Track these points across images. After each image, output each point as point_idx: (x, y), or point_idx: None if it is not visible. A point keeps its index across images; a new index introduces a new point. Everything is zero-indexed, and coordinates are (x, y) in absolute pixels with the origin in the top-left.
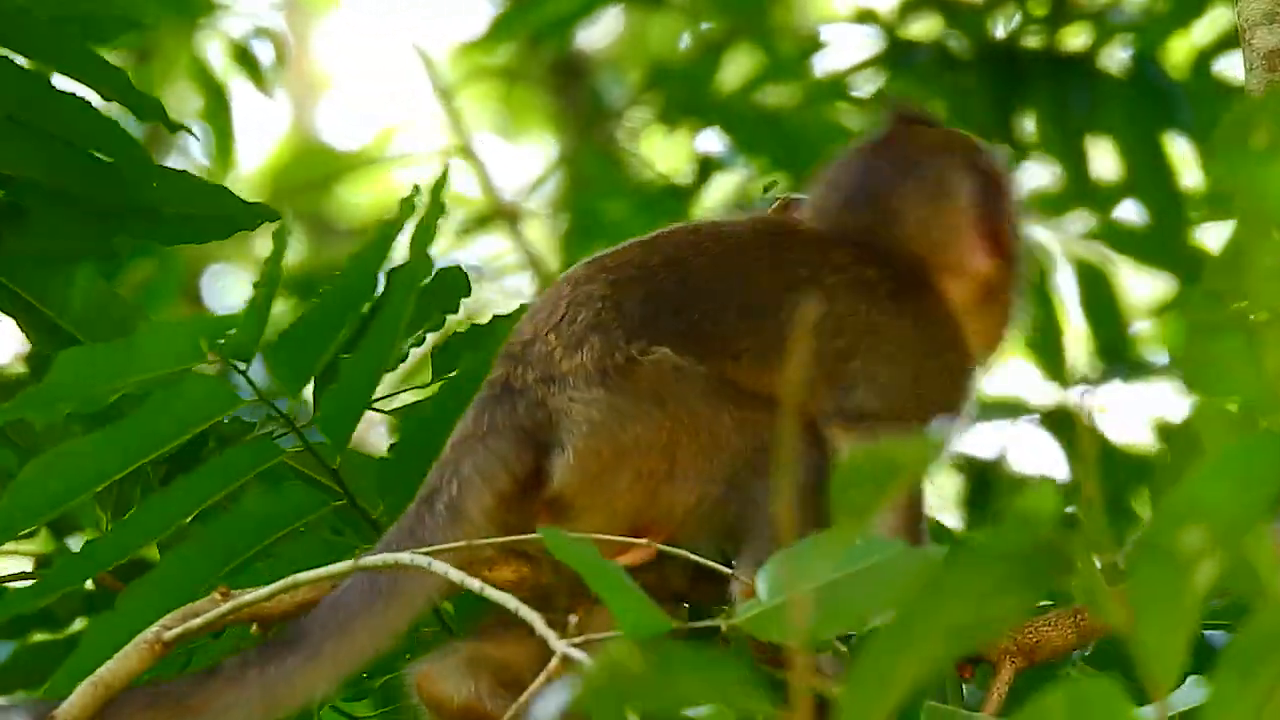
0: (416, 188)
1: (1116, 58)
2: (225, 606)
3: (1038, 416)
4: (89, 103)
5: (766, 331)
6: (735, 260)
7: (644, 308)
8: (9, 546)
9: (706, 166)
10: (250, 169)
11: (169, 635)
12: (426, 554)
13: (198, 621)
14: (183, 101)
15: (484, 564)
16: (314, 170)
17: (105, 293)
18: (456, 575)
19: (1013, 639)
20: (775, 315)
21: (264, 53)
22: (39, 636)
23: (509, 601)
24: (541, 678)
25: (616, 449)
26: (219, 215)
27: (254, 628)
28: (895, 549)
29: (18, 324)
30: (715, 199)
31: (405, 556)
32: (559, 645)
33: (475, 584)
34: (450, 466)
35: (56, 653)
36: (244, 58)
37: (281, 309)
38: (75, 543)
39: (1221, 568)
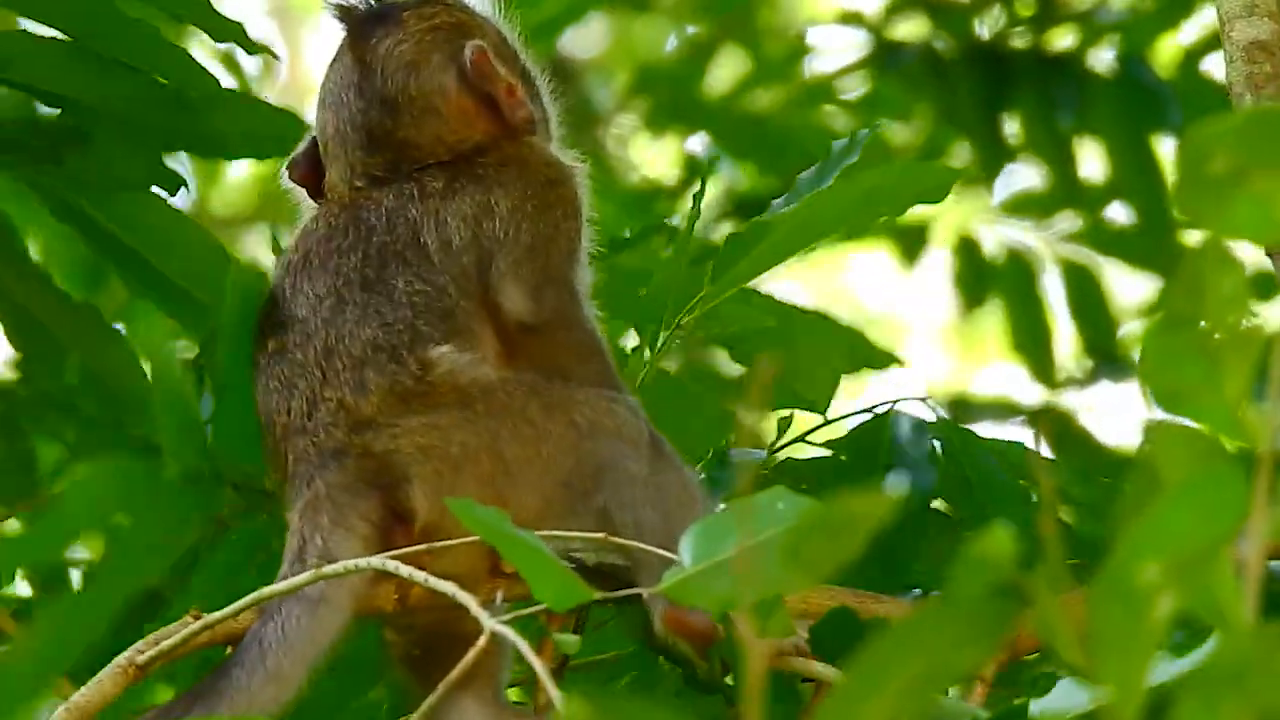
0: None
1: (1104, 58)
2: (194, 626)
3: (1024, 418)
4: (154, 28)
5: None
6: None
7: (377, 322)
8: None
9: (694, 169)
10: (241, 173)
11: (142, 659)
12: (328, 571)
13: (168, 643)
14: None
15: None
16: None
17: (175, 216)
18: (405, 570)
19: None
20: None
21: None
22: None
23: (447, 587)
24: (471, 654)
25: (452, 464)
26: (278, 135)
27: (228, 649)
28: (814, 509)
29: (87, 245)
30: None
31: (377, 560)
32: (490, 623)
33: (420, 575)
34: (307, 527)
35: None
36: (230, 64)
37: None
38: None
39: (1182, 600)
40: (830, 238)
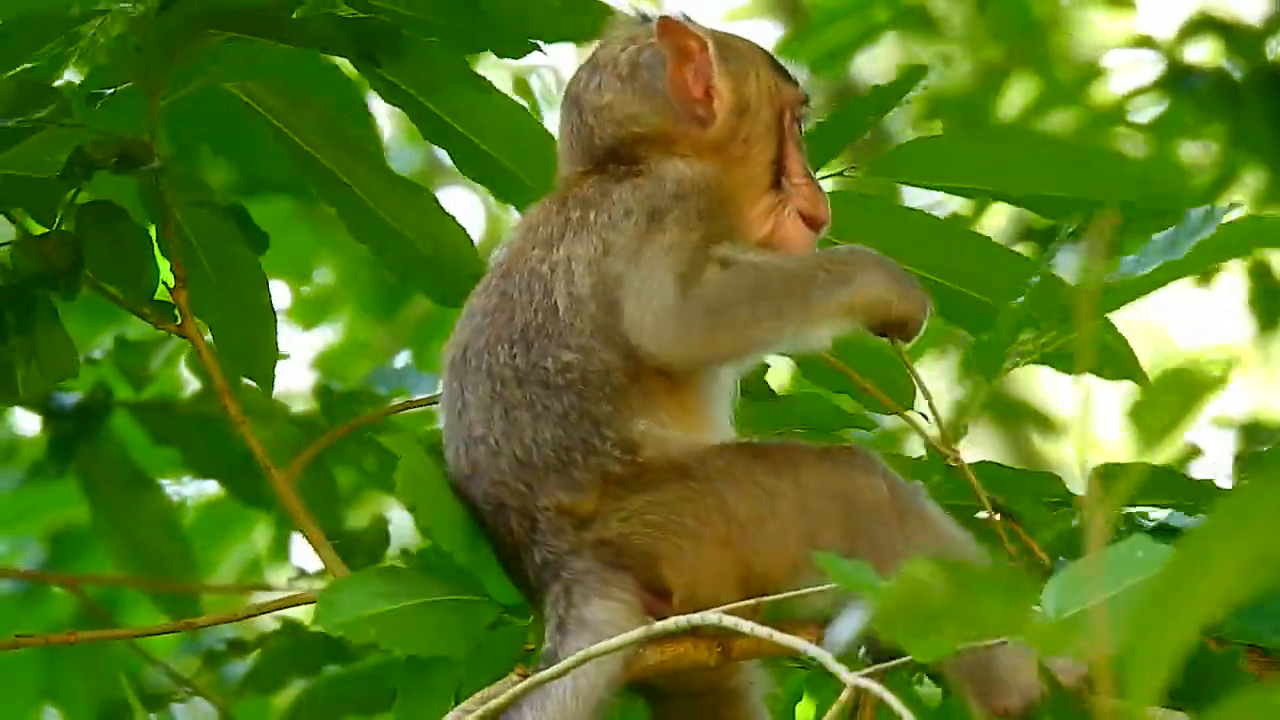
0: None
1: None
2: (520, 686)
3: None
4: None
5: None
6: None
7: (550, 420)
8: None
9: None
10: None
11: (471, 718)
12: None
13: (495, 702)
14: None
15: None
16: None
17: (504, 102)
18: (746, 625)
19: None
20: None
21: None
22: (331, 669)
23: (798, 644)
24: (834, 709)
25: (691, 535)
26: (578, 24)
27: None
28: (1169, 555)
29: (422, 130)
30: (997, 225)
31: (713, 615)
32: (851, 678)
33: (765, 631)
34: (562, 607)
35: (348, 687)
36: (522, 88)
37: None
38: None
39: None
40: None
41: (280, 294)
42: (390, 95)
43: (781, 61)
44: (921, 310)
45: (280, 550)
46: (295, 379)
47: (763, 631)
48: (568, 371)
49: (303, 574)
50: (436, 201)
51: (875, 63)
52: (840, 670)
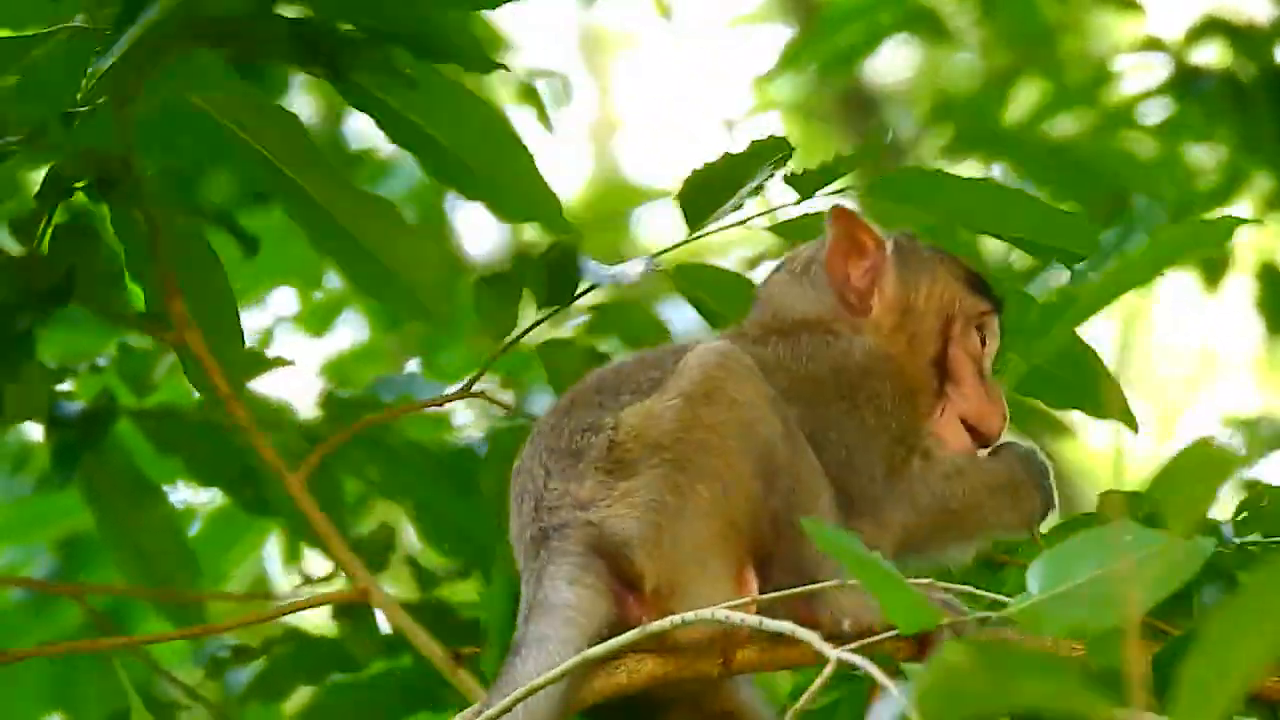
0: None
1: None
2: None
3: None
4: None
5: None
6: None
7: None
8: None
9: None
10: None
11: None
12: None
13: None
14: None
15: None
16: (614, 205)
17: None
18: (736, 616)
19: None
20: None
21: (554, 92)
22: (338, 677)
23: (785, 627)
24: (818, 683)
25: (670, 512)
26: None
27: None
28: (1163, 541)
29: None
30: None
31: (714, 611)
32: (834, 653)
33: (754, 619)
34: (534, 588)
35: (354, 695)
36: (530, 95)
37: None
38: None
39: None
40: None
41: (289, 301)
42: (357, 100)
43: (977, 274)
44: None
45: (293, 559)
46: (305, 386)
47: (751, 620)
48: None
49: (309, 580)
50: (402, 218)
51: (886, 67)
52: (824, 647)
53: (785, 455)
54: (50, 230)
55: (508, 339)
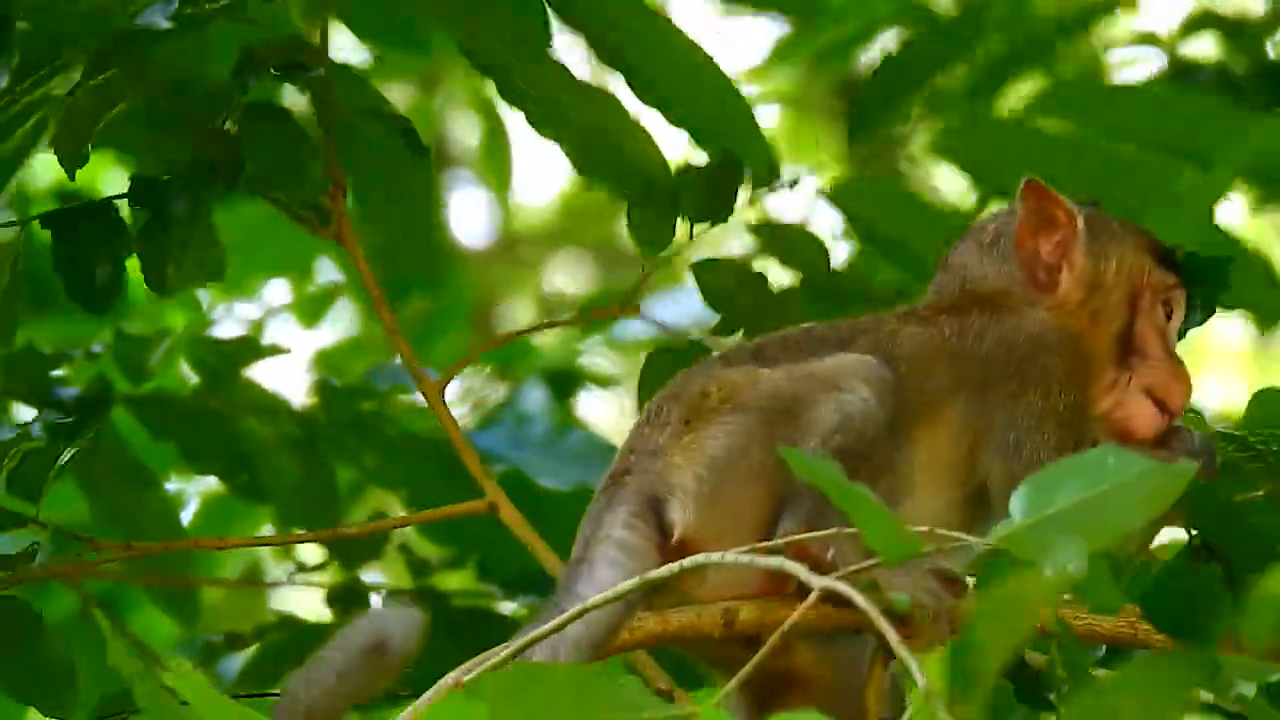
0: None
1: None
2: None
3: None
4: None
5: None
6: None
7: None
8: None
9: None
10: (544, 199)
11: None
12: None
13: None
14: (465, 132)
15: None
16: (605, 198)
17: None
18: (730, 556)
19: None
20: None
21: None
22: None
23: (774, 562)
24: (800, 609)
25: (717, 467)
26: None
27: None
28: (1145, 465)
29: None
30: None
31: (736, 556)
32: (819, 581)
33: (745, 558)
34: (588, 528)
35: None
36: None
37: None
38: None
39: None
40: None
41: (281, 292)
42: (570, 19)
43: (1166, 247)
44: None
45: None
46: (295, 378)
47: (744, 559)
48: None
49: (302, 568)
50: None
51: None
52: (810, 577)
53: (875, 458)
54: (240, 111)
55: (662, 255)
